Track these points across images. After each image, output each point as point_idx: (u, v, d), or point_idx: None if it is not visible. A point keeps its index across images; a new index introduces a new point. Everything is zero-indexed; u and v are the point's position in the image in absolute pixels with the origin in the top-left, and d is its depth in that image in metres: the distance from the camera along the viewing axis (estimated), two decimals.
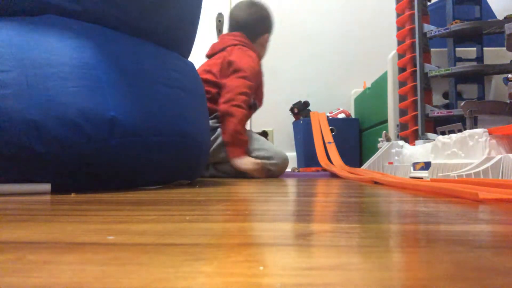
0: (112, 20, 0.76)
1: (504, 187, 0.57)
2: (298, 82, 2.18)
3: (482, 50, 1.22)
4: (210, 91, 1.43)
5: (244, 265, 0.19)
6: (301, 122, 2.00)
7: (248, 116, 1.48)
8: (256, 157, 1.40)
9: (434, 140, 1.07)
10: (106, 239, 0.25)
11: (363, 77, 2.21)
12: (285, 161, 1.44)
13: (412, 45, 1.31)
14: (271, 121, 2.22)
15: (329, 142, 1.81)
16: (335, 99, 2.28)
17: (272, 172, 1.41)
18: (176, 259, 0.20)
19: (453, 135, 0.97)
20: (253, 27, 1.58)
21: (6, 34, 0.65)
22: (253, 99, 1.51)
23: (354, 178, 1.13)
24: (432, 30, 1.25)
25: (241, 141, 1.38)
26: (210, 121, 1.31)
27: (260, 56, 1.59)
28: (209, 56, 1.61)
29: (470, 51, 1.26)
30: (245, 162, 1.36)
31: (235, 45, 1.53)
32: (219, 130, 1.41)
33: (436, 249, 0.22)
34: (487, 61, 1.22)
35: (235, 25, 1.61)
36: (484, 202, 0.47)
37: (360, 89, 2.21)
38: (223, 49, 1.54)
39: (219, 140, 1.41)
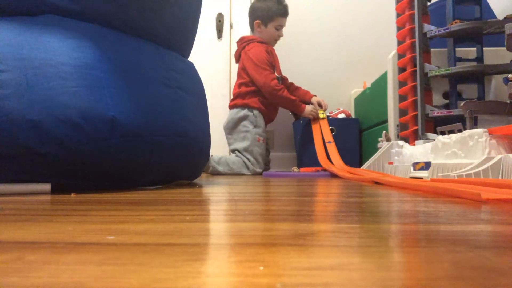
0: (112, 20, 0.76)
1: (505, 187, 0.57)
2: (298, 82, 2.17)
3: (482, 50, 1.22)
4: None
5: (244, 265, 0.19)
6: (301, 122, 2.00)
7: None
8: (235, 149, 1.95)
9: (434, 140, 1.07)
10: (106, 239, 0.25)
11: (363, 77, 2.21)
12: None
13: (412, 45, 1.31)
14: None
15: (329, 142, 1.81)
16: (335, 99, 2.27)
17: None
18: (176, 259, 0.20)
19: (453, 135, 0.97)
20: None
21: (6, 34, 0.65)
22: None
23: (354, 178, 1.13)
24: (432, 30, 1.25)
25: (292, 102, 1.95)
26: None
27: (264, 39, 2.02)
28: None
29: (470, 51, 1.26)
30: (306, 110, 1.95)
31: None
32: None
33: (436, 249, 0.22)
34: (487, 61, 1.22)
35: None
36: (486, 202, 0.47)
37: (360, 89, 2.20)
38: None
39: None
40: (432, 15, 1.35)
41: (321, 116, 1.93)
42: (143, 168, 0.77)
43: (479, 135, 0.87)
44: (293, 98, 1.95)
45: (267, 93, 1.91)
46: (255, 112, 1.96)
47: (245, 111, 1.97)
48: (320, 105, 2.00)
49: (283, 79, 2.09)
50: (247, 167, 1.87)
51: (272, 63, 1.97)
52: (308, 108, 1.95)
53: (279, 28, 2.03)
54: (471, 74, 1.19)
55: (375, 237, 0.26)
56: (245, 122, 1.96)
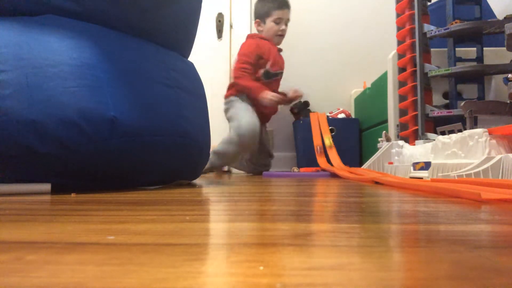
0: (112, 20, 0.76)
1: (505, 187, 0.57)
2: (298, 82, 2.17)
3: (482, 50, 1.22)
4: None
5: (244, 265, 0.19)
6: (301, 122, 2.00)
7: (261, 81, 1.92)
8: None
9: (434, 140, 1.07)
10: (106, 239, 0.25)
11: (363, 77, 2.21)
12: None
13: (412, 45, 1.31)
14: (271, 121, 2.21)
15: (330, 147, 1.81)
16: (335, 99, 2.27)
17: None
18: (176, 259, 0.20)
19: (453, 135, 0.97)
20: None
21: (6, 34, 0.65)
22: (265, 67, 1.93)
23: (354, 178, 1.13)
24: (432, 30, 1.25)
25: (248, 89, 1.85)
26: None
27: (264, 35, 1.98)
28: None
29: (470, 51, 1.26)
30: (264, 96, 1.79)
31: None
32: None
33: (436, 249, 0.22)
34: (487, 61, 1.22)
35: None
36: (486, 202, 0.47)
37: (360, 89, 2.20)
38: None
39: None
40: (432, 15, 1.35)
41: (327, 144, 1.86)
42: (143, 168, 0.77)
43: (479, 135, 0.87)
44: (249, 85, 1.84)
45: (232, 78, 1.92)
46: (243, 97, 1.88)
47: (231, 98, 1.90)
48: (294, 94, 1.91)
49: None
50: (233, 142, 1.71)
51: (261, 56, 1.89)
52: (267, 94, 1.80)
53: (279, 21, 1.97)
54: (471, 74, 1.19)
55: (375, 237, 0.26)
56: (232, 105, 1.89)
